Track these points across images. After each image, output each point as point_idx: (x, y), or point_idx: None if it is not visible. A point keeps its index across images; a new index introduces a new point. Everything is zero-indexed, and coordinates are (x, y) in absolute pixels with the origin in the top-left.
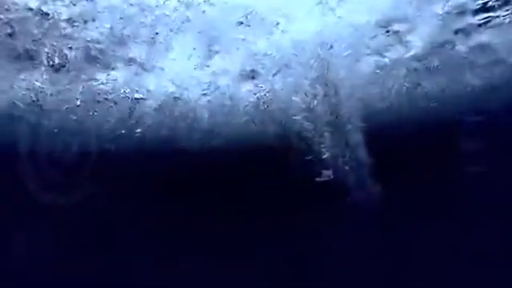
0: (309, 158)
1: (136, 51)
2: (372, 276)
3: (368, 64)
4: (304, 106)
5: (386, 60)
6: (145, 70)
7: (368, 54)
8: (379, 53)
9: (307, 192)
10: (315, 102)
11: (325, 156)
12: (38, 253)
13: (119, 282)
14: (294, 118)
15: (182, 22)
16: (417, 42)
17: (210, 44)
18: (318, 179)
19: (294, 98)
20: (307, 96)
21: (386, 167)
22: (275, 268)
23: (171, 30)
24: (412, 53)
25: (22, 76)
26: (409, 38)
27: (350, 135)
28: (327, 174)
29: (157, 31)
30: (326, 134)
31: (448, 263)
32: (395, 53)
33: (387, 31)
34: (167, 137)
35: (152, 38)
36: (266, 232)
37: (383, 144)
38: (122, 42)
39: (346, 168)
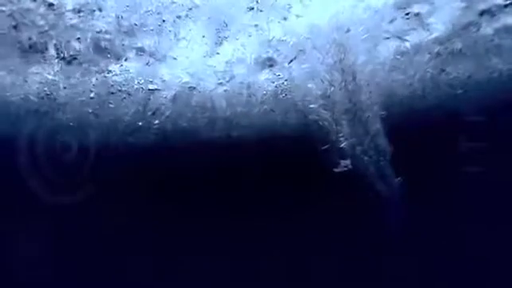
0: (326, 147)
1: (145, 41)
2: (390, 268)
3: (388, 49)
4: (321, 93)
5: (407, 44)
6: (156, 59)
7: (387, 38)
8: (399, 36)
9: (324, 182)
10: (332, 89)
11: (342, 145)
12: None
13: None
14: (311, 106)
15: (190, 9)
16: (439, 25)
17: (220, 31)
18: (335, 169)
19: (311, 86)
20: (324, 83)
21: (407, 157)
22: (296, 256)
23: (178, 17)
24: (434, 36)
25: (33, 69)
26: (430, 20)
27: (369, 123)
28: (345, 163)
29: (164, 19)
30: (344, 123)
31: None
32: (416, 36)
33: (407, 13)
34: (186, 128)
35: (159, 26)
36: (282, 223)
37: (404, 133)
38: (130, 31)
39: (365, 158)
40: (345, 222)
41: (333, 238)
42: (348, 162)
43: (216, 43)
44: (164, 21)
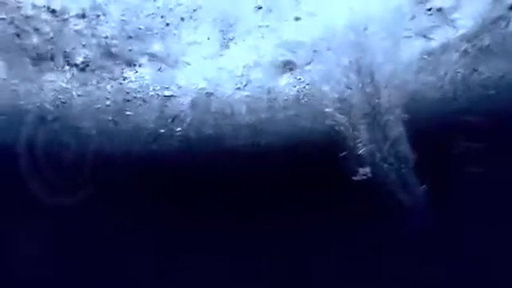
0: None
1: (155, 46)
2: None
3: (410, 48)
4: (340, 96)
5: (432, 43)
6: (169, 65)
7: (409, 37)
8: (422, 34)
9: (341, 192)
10: (351, 91)
11: (361, 152)
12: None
13: None
14: (328, 110)
15: (194, 10)
16: (465, 21)
17: (229, 33)
18: (353, 178)
19: (328, 89)
20: (342, 85)
21: (432, 165)
22: (319, 267)
23: (182, 19)
24: (460, 33)
25: (46, 77)
26: (454, 15)
27: (390, 128)
28: (364, 171)
29: (168, 22)
30: (362, 127)
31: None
32: (441, 34)
33: (428, 9)
34: (210, 135)
35: (162, 29)
36: (303, 230)
37: (429, 138)
38: (137, 36)
39: (385, 165)
40: (364, 233)
41: (354, 248)
42: (367, 169)
43: (227, 46)
44: (168, 24)
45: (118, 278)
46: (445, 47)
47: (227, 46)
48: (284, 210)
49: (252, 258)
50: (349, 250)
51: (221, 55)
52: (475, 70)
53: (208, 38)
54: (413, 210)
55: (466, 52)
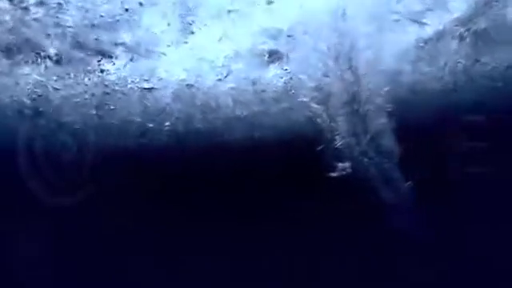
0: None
1: (120, 34)
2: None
3: (399, 33)
4: (320, 85)
5: (426, 29)
6: (140, 55)
7: (397, 21)
8: (411, 18)
9: (319, 189)
10: (333, 80)
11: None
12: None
13: None
14: (305, 99)
15: None
16: (458, 3)
17: (189, 17)
18: (331, 174)
19: (306, 78)
20: (322, 74)
21: (419, 159)
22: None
23: (141, 4)
24: (454, 17)
25: (21, 71)
26: None
27: (371, 119)
28: (343, 167)
29: (126, 7)
30: (340, 118)
31: None
32: (434, 18)
33: None
34: (198, 130)
35: (121, 15)
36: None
37: (415, 130)
38: (100, 24)
39: (366, 159)
40: (344, 233)
41: (332, 250)
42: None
43: (193, 33)
44: (127, 10)
45: (103, 279)
46: (439, 33)
47: (194, 33)
48: (265, 209)
49: (246, 257)
50: (328, 249)
51: (195, 44)
52: (477, 61)
53: (168, 24)
54: (396, 208)
55: (462, 37)
